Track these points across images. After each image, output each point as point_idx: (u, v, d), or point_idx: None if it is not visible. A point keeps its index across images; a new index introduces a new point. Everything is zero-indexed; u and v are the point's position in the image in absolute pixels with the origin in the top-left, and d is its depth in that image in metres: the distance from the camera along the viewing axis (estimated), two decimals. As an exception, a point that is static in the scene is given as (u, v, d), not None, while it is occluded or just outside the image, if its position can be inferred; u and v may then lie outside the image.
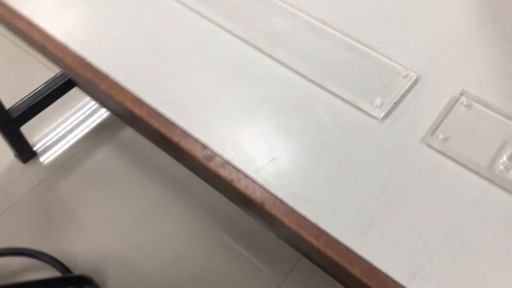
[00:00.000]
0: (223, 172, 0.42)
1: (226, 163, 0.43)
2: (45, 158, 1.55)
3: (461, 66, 0.49)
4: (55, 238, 1.35)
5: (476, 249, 0.38)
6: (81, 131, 1.59)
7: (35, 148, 1.56)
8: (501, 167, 0.41)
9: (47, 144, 1.58)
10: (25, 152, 1.52)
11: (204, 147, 0.43)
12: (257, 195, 0.41)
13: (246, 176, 0.42)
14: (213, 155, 0.43)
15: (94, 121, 1.57)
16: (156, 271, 1.26)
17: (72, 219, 1.39)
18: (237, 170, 0.42)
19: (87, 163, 1.52)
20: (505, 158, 0.42)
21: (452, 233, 0.39)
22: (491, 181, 0.41)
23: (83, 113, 1.58)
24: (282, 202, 0.40)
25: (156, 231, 1.32)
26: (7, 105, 1.33)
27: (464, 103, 0.45)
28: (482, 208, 0.40)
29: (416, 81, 0.48)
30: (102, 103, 1.15)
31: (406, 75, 0.47)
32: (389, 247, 0.38)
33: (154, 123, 0.45)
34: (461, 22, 0.53)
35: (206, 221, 1.28)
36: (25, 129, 1.46)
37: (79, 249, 1.31)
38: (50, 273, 1.23)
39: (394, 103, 0.46)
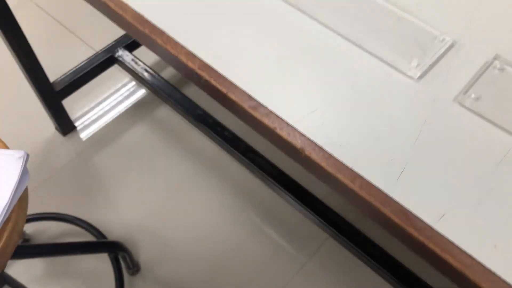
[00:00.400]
0: (267, 121, 0.46)
1: (270, 112, 0.46)
2: (84, 132, 1.61)
3: (496, 31, 0.51)
4: (92, 208, 1.41)
5: (501, 196, 0.41)
6: (119, 108, 1.65)
7: (75, 122, 1.62)
8: (530, 125, 0.44)
9: (86, 119, 1.64)
10: (65, 125, 1.58)
11: (250, 97, 0.47)
12: (297, 142, 0.44)
13: (288, 124, 0.46)
14: (259, 105, 0.47)
15: (131, 99, 1.62)
16: (184, 243, 1.31)
17: (107, 191, 1.45)
18: (280, 119, 0.46)
19: (123, 139, 1.58)
20: (534, 117, 0.44)
21: (479, 181, 0.41)
22: (519, 138, 0.44)
23: (122, 91, 1.64)
24: (320, 148, 0.44)
25: (186, 206, 1.37)
26: (51, 79, 1.39)
27: (498, 66, 0.48)
28: (508, 162, 0.43)
29: (451, 46, 0.50)
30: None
31: (442, 39, 0.50)
32: (418, 191, 0.41)
33: (205, 75, 0.49)
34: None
35: (236, 200, 1.32)
36: (66, 103, 1.52)
37: (114, 218, 1.36)
38: (86, 238, 1.30)
39: (430, 65, 0.49)
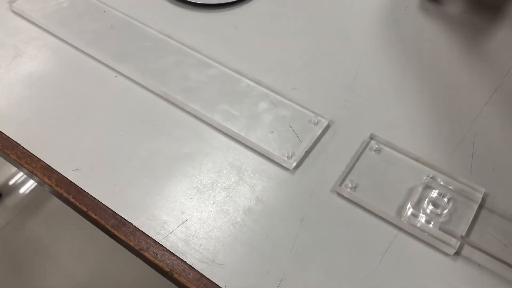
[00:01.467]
0: (133, 241, 0.42)
1: (136, 229, 0.42)
2: (10, 200, 1.54)
3: (371, 110, 0.49)
4: (30, 276, 1.34)
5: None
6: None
7: (0, 190, 1.55)
8: (409, 213, 0.41)
9: (11, 186, 1.57)
10: (-11, 195, 1.49)
11: (114, 215, 0.43)
12: (166, 263, 0.40)
13: (156, 242, 0.41)
14: (123, 223, 0.42)
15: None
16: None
17: (44, 257, 1.39)
18: (147, 236, 0.42)
19: (52, 201, 1.52)
20: (413, 204, 0.42)
21: (363, 282, 0.38)
22: (400, 228, 0.41)
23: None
24: (191, 268, 0.40)
25: (122, 266, 1.31)
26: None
27: (374, 147, 0.46)
28: (391, 257, 0.40)
29: (327, 127, 0.48)
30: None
31: (318, 121, 0.47)
32: (297, 307, 0.38)
33: (63, 192, 0.44)
34: (372, 68, 0.54)
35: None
36: (-14, 173, 1.44)
37: (56, 283, 1.30)
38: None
39: (306, 152, 0.46)
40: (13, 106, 0.50)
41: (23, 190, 1.53)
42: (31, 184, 1.53)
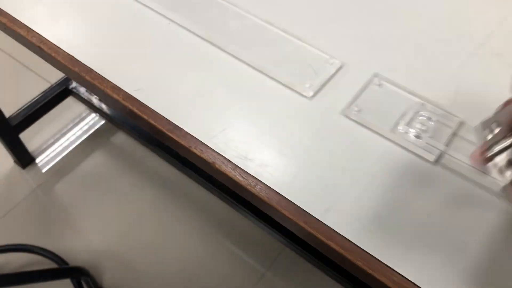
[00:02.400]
0: (184, 141, 0.53)
1: (186, 133, 0.54)
2: (43, 164, 1.65)
3: (377, 54, 0.61)
4: (54, 237, 1.44)
5: (375, 193, 0.49)
6: (77, 138, 1.69)
7: (33, 154, 1.65)
8: (401, 130, 0.53)
9: (45, 150, 1.68)
10: (24, 158, 1.62)
11: (169, 122, 0.55)
12: (209, 157, 0.52)
13: (202, 143, 0.53)
14: (176, 127, 0.54)
15: (88, 128, 1.68)
16: (146, 265, 1.35)
17: (69, 219, 1.49)
18: (195, 139, 0.54)
19: (83, 168, 1.62)
20: (404, 123, 0.53)
21: (357, 181, 0.50)
22: (392, 141, 0.53)
23: (78, 121, 1.69)
24: (229, 161, 0.52)
25: (147, 229, 1.42)
26: (7, 113, 1.44)
27: (377, 82, 0.57)
28: (383, 161, 0.51)
29: (340, 67, 0.59)
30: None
31: (332, 62, 0.59)
32: (308, 192, 0.49)
33: (128, 105, 0.56)
34: (380, 21, 0.65)
35: (195, 219, 1.39)
36: (24, 136, 1.56)
37: (77, 246, 1.40)
38: (50, 266, 1.33)
39: (321, 85, 0.57)
40: (86, 41, 0.62)
41: (55, 155, 1.64)
42: (63, 151, 1.64)
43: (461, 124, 0.54)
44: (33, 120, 1.56)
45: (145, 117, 0.55)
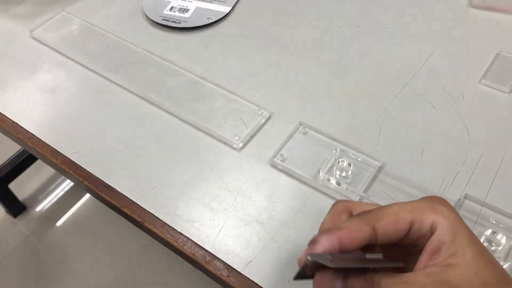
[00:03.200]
0: (116, 201, 0.56)
1: (119, 193, 0.56)
2: (35, 211, 1.68)
3: (304, 103, 0.63)
4: (48, 285, 1.46)
5: (298, 240, 0.51)
6: (67, 184, 1.73)
7: (24, 203, 1.68)
8: (322, 178, 0.54)
9: (36, 198, 1.71)
10: (15, 207, 1.65)
11: (102, 182, 0.57)
12: (138, 215, 0.54)
13: (133, 202, 0.55)
14: (109, 188, 0.57)
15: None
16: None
17: (64, 266, 1.51)
18: (127, 198, 0.56)
19: (74, 213, 1.65)
20: (325, 170, 0.55)
21: (280, 230, 0.51)
22: (315, 188, 0.55)
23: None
24: (157, 218, 0.54)
25: (143, 274, 1.43)
26: (-7, 166, 1.48)
27: (302, 131, 0.59)
28: (306, 209, 0.53)
29: (269, 117, 0.62)
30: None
31: (261, 113, 0.61)
32: (232, 244, 0.51)
33: (66, 168, 0.59)
34: (309, 71, 0.68)
35: (189, 268, 1.40)
36: (13, 186, 1.60)
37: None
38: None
39: (251, 136, 0.60)
40: (31, 107, 0.66)
41: (46, 203, 1.67)
42: (53, 197, 1.68)
43: (380, 168, 0.55)
44: (21, 169, 1.60)
45: (81, 179, 0.58)
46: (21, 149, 1.55)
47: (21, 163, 1.55)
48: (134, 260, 1.46)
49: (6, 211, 1.63)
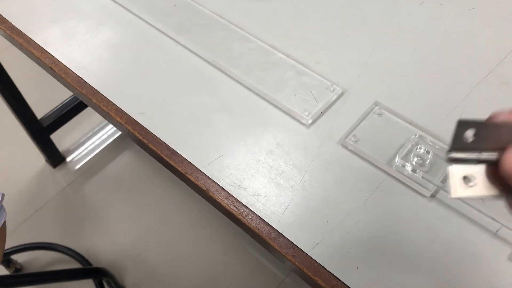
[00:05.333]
0: (180, 167, 0.54)
1: (183, 159, 0.55)
2: (73, 163, 1.71)
3: (380, 82, 0.60)
4: (80, 236, 1.50)
5: (368, 226, 0.48)
6: (105, 139, 1.74)
7: (64, 154, 1.71)
8: (398, 163, 0.52)
9: (75, 150, 1.74)
10: (55, 157, 1.68)
11: (167, 147, 0.56)
12: (203, 184, 0.53)
13: (198, 169, 0.54)
14: (174, 153, 0.55)
15: (116, 130, 1.72)
16: (168, 266, 1.38)
17: (96, 219, 1.54)
18: (192, 165, 0.54)
19: (111, 168, 1.67)
20: (401, 156, 0.52)
21: (350, 214, 0.49)
22: (389, 174, 0.52)
23: (106, 123, 1.74)
24: (222, 189, 0.52)
25: (171, 231, 1.45)
26: (39, 115, 1.50)
27: (377, 111, 0.56)
28: (378, 195, 0.51)
29: (341, 94, 0.59)
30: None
31: (333, 89, 0.59)
32: (298, 224, 0.49)
33: (130, 129, 0.57)
34: (384, 51, 0.64)
35: (217, 222, 1.41)
36: (55, 137, 1.62)
37: (101, 246, 1.45)
38: (74, 266, 1.38)
39: (321, 112, 0.57)
40: (95, 63, 0.64)
41: (84, 156, 1.70)
42: (92, 151, 1.70)
43: (461, 158, 0.52)
44: (63, 121, 1.61)
45: (145, 141, 0.56)
46: (64, 100, 1.56)
47: (64, 114, 1.56)
48: (166, 218, 1.48)
49: (46, 160, 1.66)
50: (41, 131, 1.53)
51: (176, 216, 1.48)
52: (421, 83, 0.60)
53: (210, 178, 0.53)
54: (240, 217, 0.50)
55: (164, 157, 0.55)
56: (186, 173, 0.54)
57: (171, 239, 1.44)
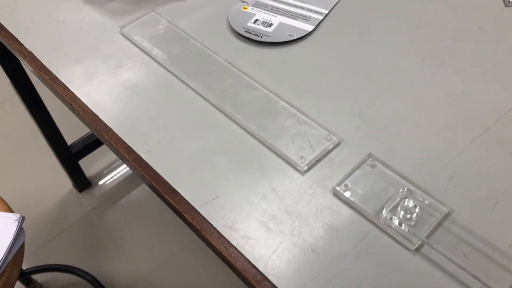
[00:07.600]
0: (178, 206, 0.58)
1: (182, 198, 0.58)
2: (98, 189, 1.77)
3: (376, 134, 0.62)
4: (100, 260, 1.54)
5: (351, 276, 0.50)
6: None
7: (90, 180, 1.78)
8: (385, 215, 0.53)
9: (101, 177, 1.80)
10: (81, 183, 1.75)
11: (168, 185, 0.59)
12: (197, 223, 0.56)
13: (194, 209, 0.57)
14: (173, 191, 0.59)
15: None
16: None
17: (116, 244, 1.58)
18: (188, 204, 0.57)
19: (134, 196, 1.72)
20: (388, 209, 0.54)
21: (334, 263, 0.51)
22: (376, 225, 0.53)
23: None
24: (215, 229, 0.55)
25: (189, 264, 1.47)
26: (69, 142, 1.57)
27: (370, 163, 0.58)
28: (363, 245, 0.52)
29: (337, 144, 0.61)
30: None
31: (330, 138, 0.61)
32: (284, 269, 0.51)
33: (136, 166, 0.61)
34: (383, 103, 0.66)
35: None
36: (82, 163, 1.69)
37: (119, 272, 1.48)
38: (89, 289, 1.42)
39: (316, 160, 0.60)
40: (111, 102, 0.69)
41: (110, 183, 1.75)
42: (117, 179, 1.76)
43: (447, 214, 0.53)
44: (91, 148, 1.68)
45: (148, 178, 0.60)
46: (94, 129, 1.63)
47: (92, 142, 1.64)
48: (184, 250, 1.50)
49: (73, 185, 1.73)
50: (70, 157, 1.60)
51: (196, 247, 1.50)
52: (416, 138, 0.61)
53: (205, 218, 0.56)
54: (229, 258, 0.53)
55: (164, 195, 0.59)
56: (182, 211, 0.57)
57: (189, 270, 1.46)
